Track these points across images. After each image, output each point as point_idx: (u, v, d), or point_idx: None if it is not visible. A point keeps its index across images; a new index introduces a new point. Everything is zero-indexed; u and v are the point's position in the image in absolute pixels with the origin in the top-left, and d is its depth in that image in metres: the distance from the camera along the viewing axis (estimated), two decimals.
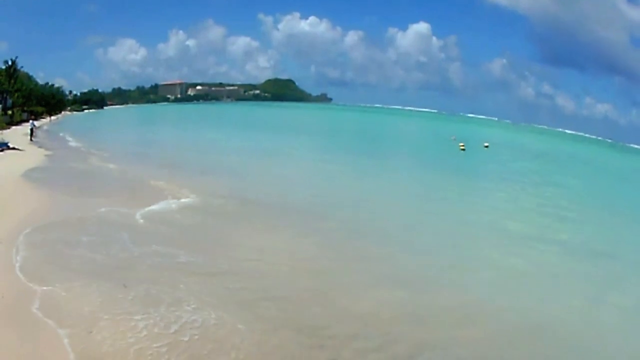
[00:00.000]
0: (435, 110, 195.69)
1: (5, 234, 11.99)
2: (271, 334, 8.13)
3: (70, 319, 8.05)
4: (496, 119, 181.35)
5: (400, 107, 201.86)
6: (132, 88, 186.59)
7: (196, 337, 7.77)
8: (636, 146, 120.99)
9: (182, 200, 17.78)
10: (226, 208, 17.52)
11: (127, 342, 7.47)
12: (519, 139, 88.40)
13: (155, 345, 7.41)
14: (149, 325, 8.01)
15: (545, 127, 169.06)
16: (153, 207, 16.45)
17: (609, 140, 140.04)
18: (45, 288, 9.20)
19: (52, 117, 74.85)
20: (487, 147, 54.91)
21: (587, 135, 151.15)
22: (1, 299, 8.61)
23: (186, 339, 7.68)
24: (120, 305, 8.67)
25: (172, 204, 17.21)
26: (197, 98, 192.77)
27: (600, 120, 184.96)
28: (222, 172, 25.80)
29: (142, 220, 14.70)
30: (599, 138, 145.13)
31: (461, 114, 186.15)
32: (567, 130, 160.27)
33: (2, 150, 28.28)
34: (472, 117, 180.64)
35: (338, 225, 16.14)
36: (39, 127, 47.14)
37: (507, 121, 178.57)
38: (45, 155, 28.82)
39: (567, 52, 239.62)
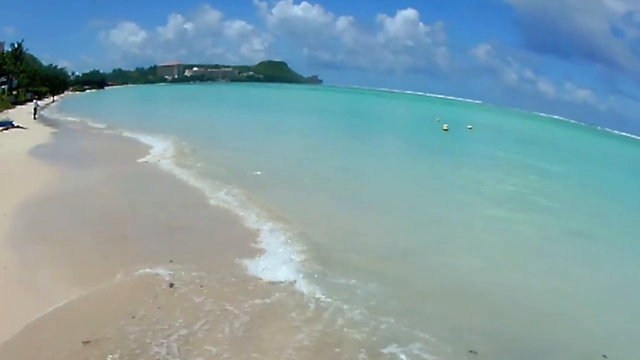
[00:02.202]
0: (422, 93, 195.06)
1: (11, 208, 12.01)
2: None
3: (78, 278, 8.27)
4: (480, 102, 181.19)
5: (388, 89, 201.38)
6: (132, 69, 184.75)
7: None
8: (611, 130, 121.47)
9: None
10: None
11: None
12: (502, 122, 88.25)
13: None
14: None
15: (527, 111, 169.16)
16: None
17: (582, 124, 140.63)
18: (49, 259, 9.33)
19: (55, 97, 74.19)
20: (470, 129, 54.87)
21: (564, 119, 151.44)
22: (4, 269, 8.66)
23: None
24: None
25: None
26: (194, 79, 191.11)
27: (580, 105, 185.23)
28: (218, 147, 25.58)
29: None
30: (575, 121, 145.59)
31: (447, 97, 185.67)
32: (548, 115, 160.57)
33: (7, 129, 28.05)
34: (457, 100, 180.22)
35: (319, 200, 16.04)
36: (43, 107, 46.76)
37: (491, 105, 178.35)
38: (51, 133, 28.64)
39: (549, 40, 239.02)
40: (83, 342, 6.51)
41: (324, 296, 8.53)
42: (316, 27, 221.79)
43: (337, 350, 7.01)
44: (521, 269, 11.63)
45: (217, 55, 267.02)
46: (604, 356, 7.76)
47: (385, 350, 7.10)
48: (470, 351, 7.40)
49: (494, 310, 9.05)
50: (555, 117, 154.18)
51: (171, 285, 8.39)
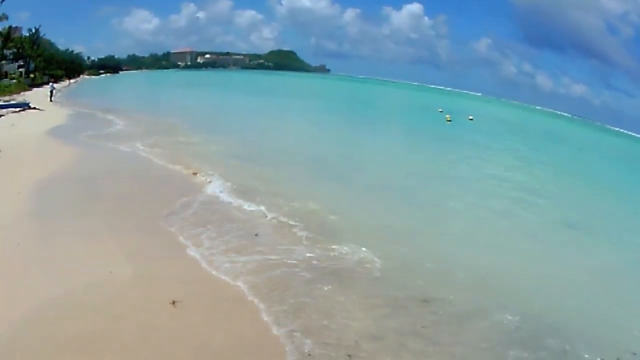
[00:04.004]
0: (424, 84, 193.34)
1: (29, 186, 11.97)
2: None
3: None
4: (480, 94, 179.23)
5: (393, 79, 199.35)
6: (146, 55, 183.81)
7: None
8: (603, 125, 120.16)
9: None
10: None
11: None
12: (501, 113, 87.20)
13: None
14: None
15: (525, 103, 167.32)
16: None
17: (576, 117, 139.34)
18: (60, 236, 9.32)
19: (71, 80, 74.15)
20: (471, 119, 54.26)
21: (561, 112, 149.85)
22: (17, 245, 8.65)
23: None
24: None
25: None
26: (206, 65, 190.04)
27: (575, 99, 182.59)
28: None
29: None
30: (570, 115, 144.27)
31: (448, 88, 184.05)
32: (545, 108, 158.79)
33: (23, 110, 28.04)
34: (459, 91, 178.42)
35: (327, 182, 16.13)
36: (59, 90, 46.69)
37: (490, 96, 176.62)
38: (68, 115, 28.52)
39: (547, 35, 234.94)
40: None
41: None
42: (324, 18, 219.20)
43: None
44: (521, 256, 11.51)
45: (227, 43, 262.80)
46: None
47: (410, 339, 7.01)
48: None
49: (501, 300, 8.75)
50: (552, 110, 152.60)
51: None
